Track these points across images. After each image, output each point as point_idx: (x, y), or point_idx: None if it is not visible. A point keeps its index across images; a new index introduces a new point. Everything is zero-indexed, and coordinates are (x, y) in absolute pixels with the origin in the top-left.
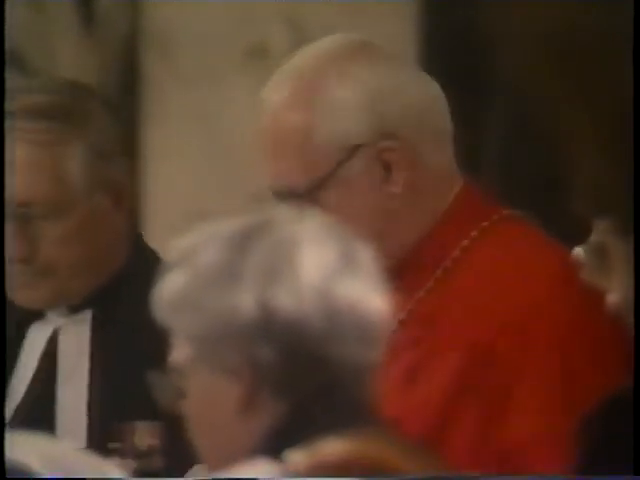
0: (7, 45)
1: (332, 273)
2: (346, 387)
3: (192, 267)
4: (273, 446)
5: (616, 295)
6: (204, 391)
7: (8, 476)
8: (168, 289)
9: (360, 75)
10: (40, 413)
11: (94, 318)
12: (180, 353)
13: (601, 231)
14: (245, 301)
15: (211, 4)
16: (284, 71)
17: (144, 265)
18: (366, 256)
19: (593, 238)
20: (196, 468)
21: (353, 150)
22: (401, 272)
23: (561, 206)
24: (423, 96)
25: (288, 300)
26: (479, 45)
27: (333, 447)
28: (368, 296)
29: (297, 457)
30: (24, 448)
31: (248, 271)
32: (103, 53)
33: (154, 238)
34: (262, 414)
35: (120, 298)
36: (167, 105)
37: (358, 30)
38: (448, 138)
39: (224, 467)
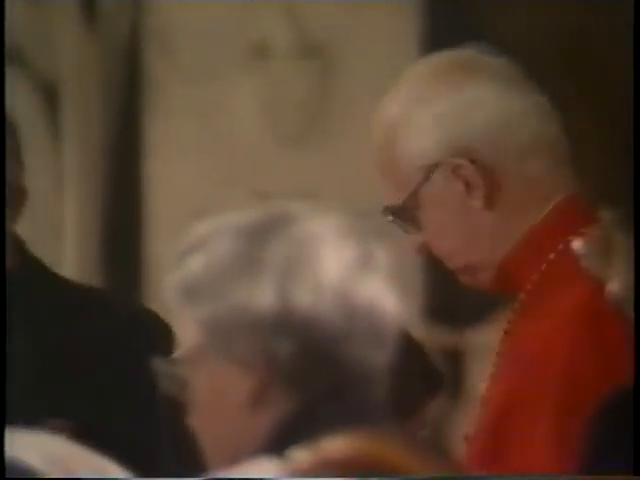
0: (9, 43)
1: (351, 271)
2: (357, 387)
3: (209, 255)
4: (278, 443)
5: (616, 285)
6: (213, 381)
7: (7, 475)
8: (183, 275)
9: (433, 95)
10: None
11: None
12: (188, 341)
13: (605, 223)
14: (265, 294)
15: (213, 2)
16: (389, 91)
17: (27, 272)
18: (383, 255)
19: (597, 229)
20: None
21: (431, 169)
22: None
23: None
24: (502, 112)
25: (308, 296)
26: (482, 41)
27: (337, 445)
28: (383, 296)
29: (301, 455)
30: (25, 446)
31: (268, 264)
32: (105, 51)
33: (156, 235)
34: (270, 409)
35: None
36: (169, 102)
37: (359, 29)
38: (545, 153)
39: (227, 461)
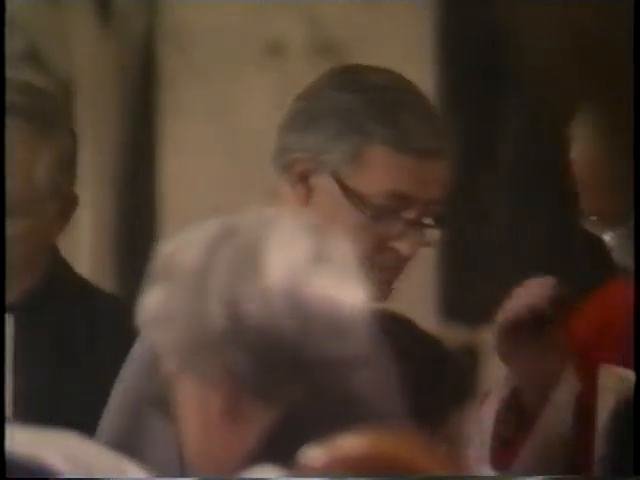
0: (24, 43)
1: (300, 272)
2: (331, 385)
3: (169, 277)
4: (275, 451)
5: None
6: (192, 402)
7: (12, 474)
8: (149, 302)
9: None
10: None
11: (16, 323)
12: (167, 365)
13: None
14: (213, 309)
15: (227, 1)
16: None
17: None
18: (340, 250)
19: (626, 225)
20: None
21: None
22: None
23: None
24: None
25: (256, 304)
26: (494, 41)
27: (352, 443)
28: (341, 290)
29: (315, 453)
30: (46, 446)
31: (214, 277)
32: (120, 49)
33: (171, 234)
34: (252, 422)
35: (44, 303)
36: (184, 101)
37: (374, 27)
38: None
39: (222, 475)
